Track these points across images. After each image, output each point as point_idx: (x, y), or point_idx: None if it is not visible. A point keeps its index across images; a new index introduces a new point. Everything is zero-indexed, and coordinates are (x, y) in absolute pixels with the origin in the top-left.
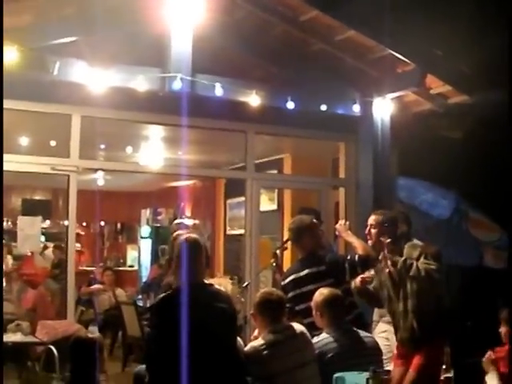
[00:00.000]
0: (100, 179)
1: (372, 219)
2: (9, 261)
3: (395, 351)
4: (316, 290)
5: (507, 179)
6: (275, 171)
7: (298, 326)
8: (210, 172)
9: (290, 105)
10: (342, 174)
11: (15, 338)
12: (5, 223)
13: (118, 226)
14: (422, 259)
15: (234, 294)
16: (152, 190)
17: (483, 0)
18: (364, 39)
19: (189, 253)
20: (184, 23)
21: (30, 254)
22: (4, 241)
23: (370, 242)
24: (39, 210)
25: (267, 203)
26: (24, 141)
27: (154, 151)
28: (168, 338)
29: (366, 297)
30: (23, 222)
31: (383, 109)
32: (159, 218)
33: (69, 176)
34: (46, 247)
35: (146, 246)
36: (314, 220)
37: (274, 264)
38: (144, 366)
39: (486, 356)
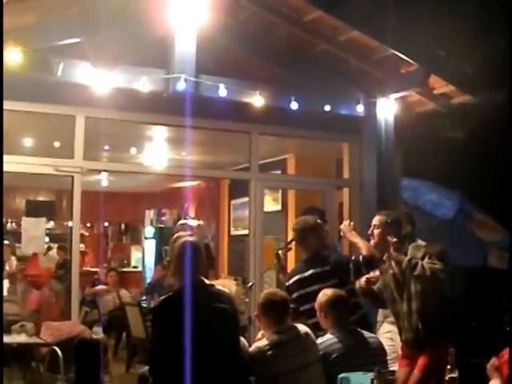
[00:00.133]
0: (104, 180)
1: (376, 219)
2: (13, 262)
3: (400, 352)
4: (320, 290)
5: (509, 179)
6: (279, 172)
7: (302, 327)
8: (214, 173)
9: (294, 105)
10: (345, 175)
11: (20, 339)
12: (9, 224)
13: (122, 226)
14: (426, 259)
15: (238, 294)
16: (156, 190)
17: (487, 0)
18: (367, 40)
19: (187, 255)
20: (188, 24)
21: (34, 254)
22: (8, 242)
23: (372, 241)
24: (43, 211)
25: (271, 204)
26: (28, 142)
27: (157, 152)
28: (170, 339)
29: (371, 297)
30: (27, 223)
31: (387, 109)
32: (163, 218)
33: (73, 177)
34: (50, 248)
35: (150, 246)
36: (319, 220)
37: (277, 264)
38: (148, 366)
39: (490, 362)
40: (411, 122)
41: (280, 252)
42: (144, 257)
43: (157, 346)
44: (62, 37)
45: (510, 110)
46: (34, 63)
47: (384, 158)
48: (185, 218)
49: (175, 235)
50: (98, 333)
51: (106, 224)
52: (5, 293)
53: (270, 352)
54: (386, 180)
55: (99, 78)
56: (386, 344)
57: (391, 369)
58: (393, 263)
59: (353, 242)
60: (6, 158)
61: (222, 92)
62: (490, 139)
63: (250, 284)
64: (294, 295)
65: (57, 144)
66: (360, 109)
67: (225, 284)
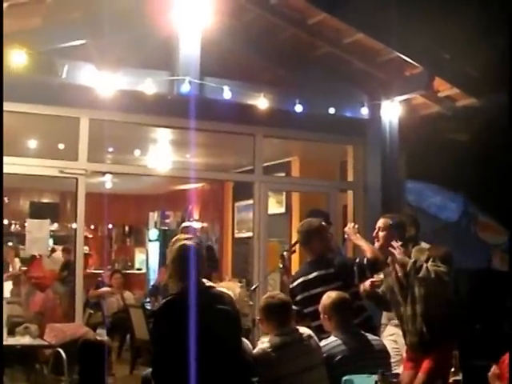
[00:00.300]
0: (108, 182)
1: (381, 222)
2: (16, 264)
3: (404, 354)
4: (324, 292)
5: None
6: (283, 174)
7: (305, 330)
8: (218, 175)
9: (298, 108)
10: (350, 177)
11: (24, 341)
12: (13, 226)
13: (126, 228)
14: (430, 262)
15: (242, 297)
16: (160, 192)
17: (490, 3)
18: (372, 42)
19: (184, 258)
20: (192, 26)
21: (38, 256)
22: (12, 243)
23: (377, 244)
24: (47, 212)
25: (275, 206)
26: (32, 144)
27: (162, 154)
28: (172, 342)
29: (375, 300)
30: (31, 224)
31: (391, 112)
32: (167, 221)
33: (77, 179)
34: (54, 250)
35: (153, 248)
36: (323, 223)
37: (282, 266)
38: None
39: (492, 371)
40: (415, 124)
41: (285, 253)
42: (148, 259)
43: (159, 348)
44: (67, 39)
45: (510, 112)
46: (38, 65)
47: (388, 161)
48: (189, 221)
49: (174, 238)
50: (101, 335)
51: (110, 226)
52: (9, 295)
53: (273, 354)
54: (390, 182)
55: (104, 80)
56: (390, 347)
57: (395, 371)
58: (397, 266)
59: (357, 244)
60: (10, 159)
61: (227, 94)
62: (494, 142)
63: (254, 286)
64: (298, 297)
65: (61, 146)
66: (364, 111)
67: (229, 286)
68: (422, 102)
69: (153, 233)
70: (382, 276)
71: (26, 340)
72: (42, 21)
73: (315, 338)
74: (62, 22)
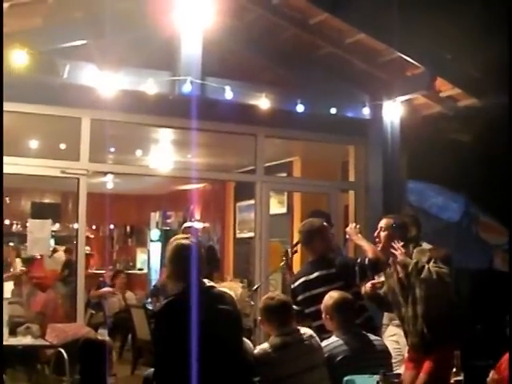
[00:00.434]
0: (109, 182)
1: (383, 222)
2: (18, 264)
3: (406, 355)
4: (326, 292)
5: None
6: (285, 174)
7: (306, 330)
8: (220, 175)
9: (300, 108)
10: (351, 177)
11: (25, 341)
12: (14, 226)
13: (128, 229)
14: (431, 263)
15: (243, 297)
16: (161, 193)
17: (492, 3)
18: (373, 42)
19: (180, 258)
20: (194, 26)
21: (39, 257)
22: (13, 244)
23: (378, 244)
24: (49, 213)
25: (277, 206)
26: (34, 144)
27: (163, 154)
28: (173, 342)
29: (377, 301)
30: (33, 225)
31: (393, 112)
32: (169, 221)
33: (78, 179)
34: (55, 250)
35: (155, 249)
36: (325, 223)
37: (284, 263)
38: (153, 370)
39: (490, 376)
40: (417, 124)
41: (289, 251)
42: (149, 259)
43: (161, 349)
44: (68, 39)
45: (510, 112)
46: (40, 65)
47: (390, 161)
48: (190, 221)
49: (172, 238)
50: (103, 335)
51: (112, 226)
52: (10, 295)
53: (274, 354)
54: (391, 183)
55: (105, 80)
56: (392, 347)
57: (396, 372)
58: (398, 267)
59: (358, 244)
60: (12, 159)
61: (228, 94)
62: (496, 142)
63: (256, 287)
64: (300, 297)
65: (63, 146)
66: (366, 111)
67: (231, 287)
68: (423, 102)
69: (154, 233)
70: (382, 278)
71: (27, 340)
72: (44, 21)
73: (316, 338)
74: (63, 21)
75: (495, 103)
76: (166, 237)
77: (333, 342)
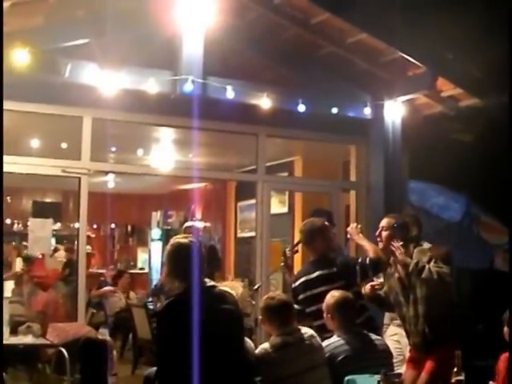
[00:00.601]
0: (111, 181)
1: (385, 222)
2: (18, 263)
3: (407, 354)
4: (327, 292)
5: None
6: (286, 174)
7: (307, 329)
8: (221, 174)
9: (301, 107)
10: (352, 177)
11: (26, 340)
12: (15, 225)
13: (129, 228)
14: (432, 263)
15: (244, 297)
16: (163, 192)
17: (494, 3)
18: (375, 42)
19: (178, 257)
20: (195, 25)
21: (40, 256)
22: (14, 243)
23: (380, 244)
24: (50, 212)
25: (278, 206)
26: (35, 143)
27: (164, 154)
28: (175, 342)
29: (377, 302)
30: (34, 224)
31: (394, 112)
32: (170, 220)
33: (80, 178)
34: (56, 249)
35: (156, 248)
36: (326, 222)
37: (284, 264)
38: (154, 369)
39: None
40: (419, 124)
41: (287, 251)
42: (150, 259)
43: (162, 348)
44: (70, 38)
45: (510, 112)
46: (41, 64)
47: (391, 161)
48: (191, 220)
49: (172, 238)
50: (104, 334)
51: (113, 226)
52: (11, 294)
53: (274, 354)
54: (393, 182)
55: (106, 80)
56: (393, 346)
57: (397, 371)
58: (399, 266)
59: (360, 244)
60: (13, 158)
61: (230, 94)
62: (497, 142)
63: (257, 286)
64: (301, 297)
65: (64, 145)
66: (367, 111)
67: (232, 286)
68: (425, 102)
69: (155, 232)
70: (381, 279)
71: (28, 339)
72: (45, 19)
73: (317, 337)
74: (64, 20)
75: (496, 103)
76: (167, 236)
77: (334, 341)
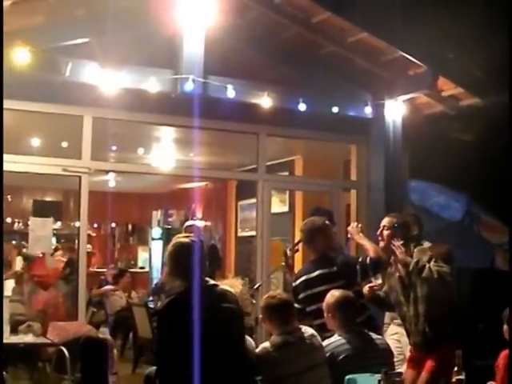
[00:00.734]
0: (111, 181)
1: (386, 221)
2: (19, 262)
3: (407, 353)
4: (327, 291)
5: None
6: (287, 173)
7: (308, 329)
8: (222, 174)
9: (302, 107)
10: (353, 176)
11: (26, 339)
12: (16, 224)
13: (129, 227)
14: (432, 262)
15: (243, 294)
16: (163, 191)
17: (494, 2)
18: (376, 41)
19: (178, 256)
20: (196, 25)
21: (41, 255)
22: (15, 242)
23: (381, 243)
24: (50, 211)
25: (278, 205)
26: (36, 142)
27: (165, 153)
28: (176, 341)
29: (377, 303)
30: (34, 223)
31: (395, 111)
32: (170, 219)
33: (80, 177)
34: (57, 249)
35: (157, 247)
36: (327, 221)
37: (284, 263)
38: (155, 368)
39: None
40: (419, 123)
41: (288, 251)
42: (151, 258)
43: (163, 347)
44: (70, 37)
45: (510, 112)
46: (42, 63)
47: (392, 160)
48: (192, 219)
49: (174, 238)
50: (104, 333)
51: (113, 225)
52: (11, 293)
53: (275, 353)
54: (393, 182)
55: (107, 79)
56: (393, 346)
57: (398, 370)
58: (399, 266)
59: (360, 243)
60: (13, 157)
61: (230, 93)
62: (497, 141)
63: (257, 285)
64: (301, 296)
65: (64, 144)
66: (368, 110)
67: (232, 284)
68: (425, 102)
69: (156, 231)
70: (379, 281)
71: (28, 338)
72: (45, 18)
73: (318, 337)
74: (65, 19)
75: (497, 102)
76: (167, 235)
77: (335, 340)
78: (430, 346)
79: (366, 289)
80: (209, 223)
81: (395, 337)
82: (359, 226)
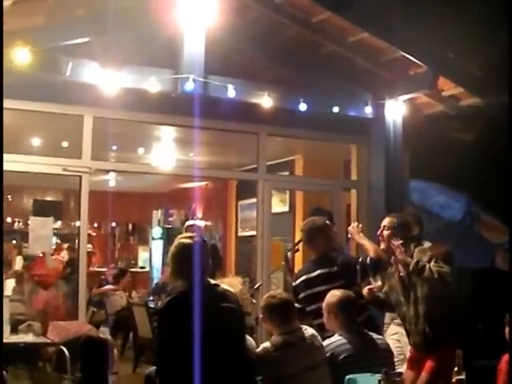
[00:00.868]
0: (112, 180)
1: (386, 221)
2: (19, 262)
3: (408, 353)
4: (327, 291)
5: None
6: (287, 173)
7: (308, 328)
8: (222, 173)
9: (303, 106)
10: (353, 176)
11: (27, 339)
12: (16, 224)
13: (130, 227)
14: (432, 262)
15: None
16: (163, 191)
17: (495, 2)
18: (376, 41)
19: (181, 256)
20: (196, 24)
21: (41, 254)
22: (15, 241)
23: (382, 244)
24: (51, 210)
25: (279, 205)
26: (36, 141)
27: (165, 152)
28: (176, 340)
29: (377, 304)
30: (35, 222)
31: (395, 111)
32: (171, 219)
33: (81, 177)
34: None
35: (157, 247)
36: (327, 221)
37: (285, 266)
38: (155, 368)
39: None
40: (419, 123)
41: (289, 255)
42: (151, 257)
43: (163, 347)
44: (71, 37)
45: (510, 112)
46: (42, 63)
47: (392, 160)
48: (192, 219)
49: (177, 238)
50: (105, 333)
51: (114, 224)
52: (11, 292)
53: (275, 353)
54: (393, 182)
55: (107, 78)
56: (393, 346)
57: (398, 370)
58: (400, 266)
59: (360, 243)
60: (14, 157)
61: (231, 93)
62: (498, 141)
63: (258, 285)
64: (301, 295)
65: (65, 144)
66: (368, 110)
67: (231, 282)
68: (426, 101)
69: (156, 231)
70: (379, 283)
71: (29, 338)
72: (46, 18)
73: (318, 337)
74: (65, 19)
75: (497, 102)
76: (167, 235)
77: (335, 340)
78: (430, 347)
79: (365, 291)
80: (209, 223)
81: (395, 337)
82: (359, 226)
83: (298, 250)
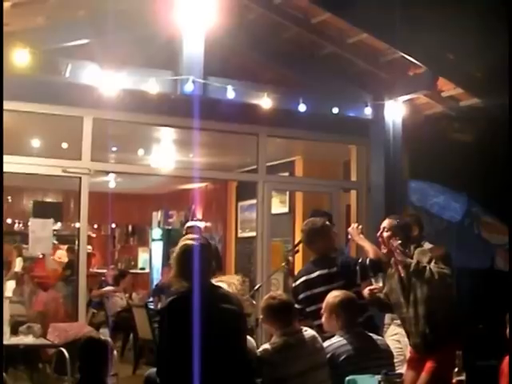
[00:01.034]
0: (111, 181)
1: (386, 222)
2: (19, 263)
3: (407, 354)
4: (327, 292)
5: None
6: (287, 174)
7: (309, 330)
8: (222, 174)
9: (302, 107)
10: (353, 177)
11: (27, 341)
12: (16, 225)
13: (130, 228)
14: (432, 264)
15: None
16: (163, 192)
17: (496, 3)
18: (376, 42)
19: (184, 258)
20: (196, 26)
21: (41, 256)
22: (15, 243)
23: (383, 246)
24: (51, 212)
25: (279, 206)
26: (36, 143)
27: (165, 154)
28: (177, 340)
29: (377, 305)
30: (35, 224)
31: (395, 111)
32: (170, 220)
33: (80, 178)
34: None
35: (157, 248)
36: (327, 222)
37: (286, 269)
38: (155, 369)
39: None
40: (419, 124)
41: (290, 258)
42: (151, 258)
43: (164, 347)
44: (70, 38)
45: (510, 112)
46: (42, 64)
47: (392, 161)
48: (192, 220)
49: (180, 240)
50: (104, 334)
51: (114, 225)
52: (11, 294)
53: (276, 355)
54: (393, 182)
55: (107, 80)
56: (393, 346)
57: (398, 371)
58: (399, 267)
59: (360, 245)
60: (13, 158)
61: (230, 94)
62: (497, 142)
63: (258, 286)
64: (301, 296)
65: (64, 145)
66: (368, 111)
67: (229, 281)
68: (425, 102)
69: (156, 232)
70: (380, 284)
71: (29, 339)
72: (46, 20)
73: (319, 338)
74: (65, 21)
75: (497, 103)
76: (167, 236)
77: (336, 341)
78: (430, 347)
79: (366, 291)
80: (209, 224)
81: (395, 337)
82: (359, 226)
83: (297, 251)
